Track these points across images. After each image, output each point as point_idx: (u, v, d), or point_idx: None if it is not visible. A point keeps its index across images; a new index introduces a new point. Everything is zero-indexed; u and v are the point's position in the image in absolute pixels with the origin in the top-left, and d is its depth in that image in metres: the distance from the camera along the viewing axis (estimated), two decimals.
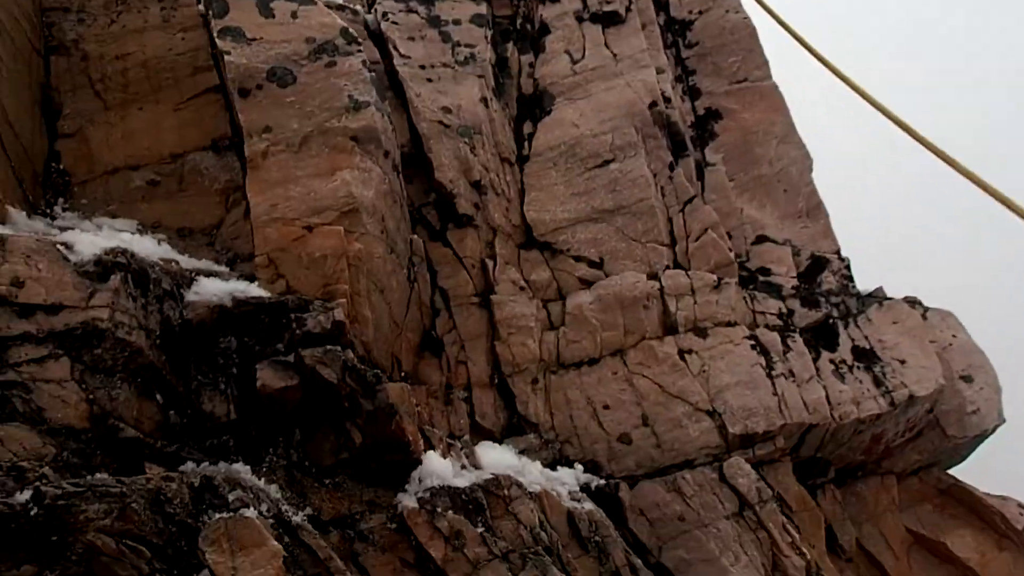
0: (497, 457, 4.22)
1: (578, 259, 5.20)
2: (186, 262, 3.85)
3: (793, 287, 5.70)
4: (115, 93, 4.33)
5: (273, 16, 4.33)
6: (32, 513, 2.82)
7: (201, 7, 4.50)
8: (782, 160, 6.29)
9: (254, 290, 3.71)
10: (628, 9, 6.04)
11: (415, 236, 4.68)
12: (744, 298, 5.38)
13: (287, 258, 3.91)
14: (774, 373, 5.05)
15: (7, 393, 3.00)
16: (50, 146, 4.19)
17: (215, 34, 4.24)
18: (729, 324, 5.21)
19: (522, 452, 4.41)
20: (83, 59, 4.34)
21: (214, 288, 3.65)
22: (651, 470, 4.60)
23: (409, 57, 5.17)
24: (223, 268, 3.95)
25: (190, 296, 3.59)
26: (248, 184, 4.06)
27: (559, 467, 4.44)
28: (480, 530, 3.50)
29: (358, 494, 3.60)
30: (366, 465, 3.64)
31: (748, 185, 6.22)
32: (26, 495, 2.83)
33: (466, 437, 4.25)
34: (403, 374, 4.28)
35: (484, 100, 5.26)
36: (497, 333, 4.75)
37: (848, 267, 6.04)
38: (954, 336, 5.87)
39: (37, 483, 2.87)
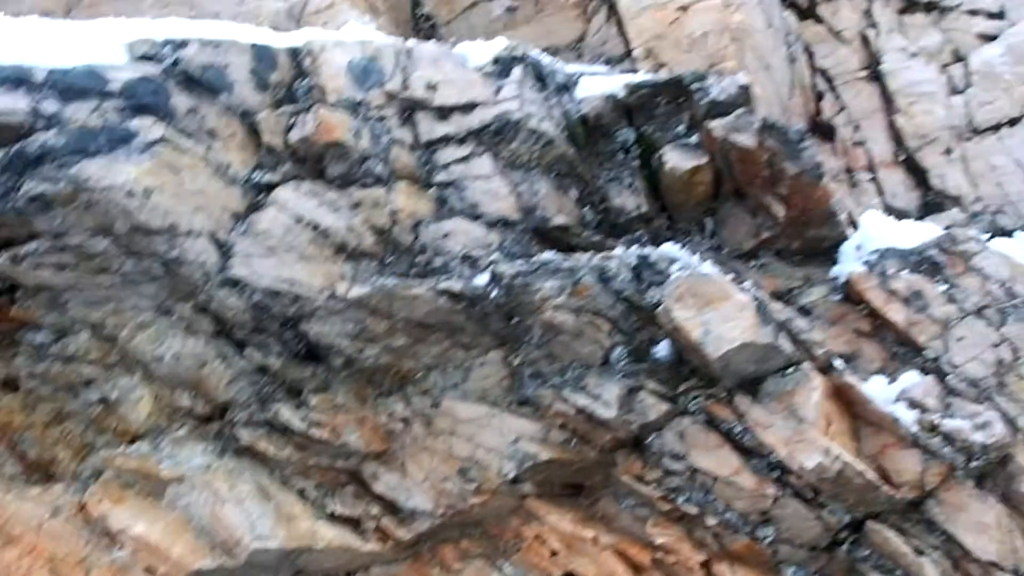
0: (923, 235, 3.73)
1: (974, 13, 4.42)
2: (567, 67, 3.75)
3: None
4: None
5: None
6: (492, 295, 2.90)
7: None
8: None
9: (642, 77, 3.52)
10: None
11: (786, 14, 4.22)
12: None
13: (665, 44, 3.68)
14: None
15: (444, 194, 3.09)
16: None
17: None
18: None
19: (948, 228, 3.86)
20: None
21: (602, 83, 3.51)
22: None
23: None
24: (603, 67, 3.81)
25: (580, 93, 3.48)
26: None
27: (996, 238, 3.84)
28: (943, 288, 3.08)
29: (790, 271, 3.33)
30: (789, 244, 3.36)
31: None
32: (484, 278, 2.90)
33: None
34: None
35: None
36: (894, 105, 4.19)
37: None
38: None
39: (492, 266, 2.93)
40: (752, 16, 3.73)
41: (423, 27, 4.24)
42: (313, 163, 2.97)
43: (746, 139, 3.19)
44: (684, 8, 3.68)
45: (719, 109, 3.29)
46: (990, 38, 4.34)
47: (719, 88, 3.31)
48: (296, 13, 3.40)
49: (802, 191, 3.23)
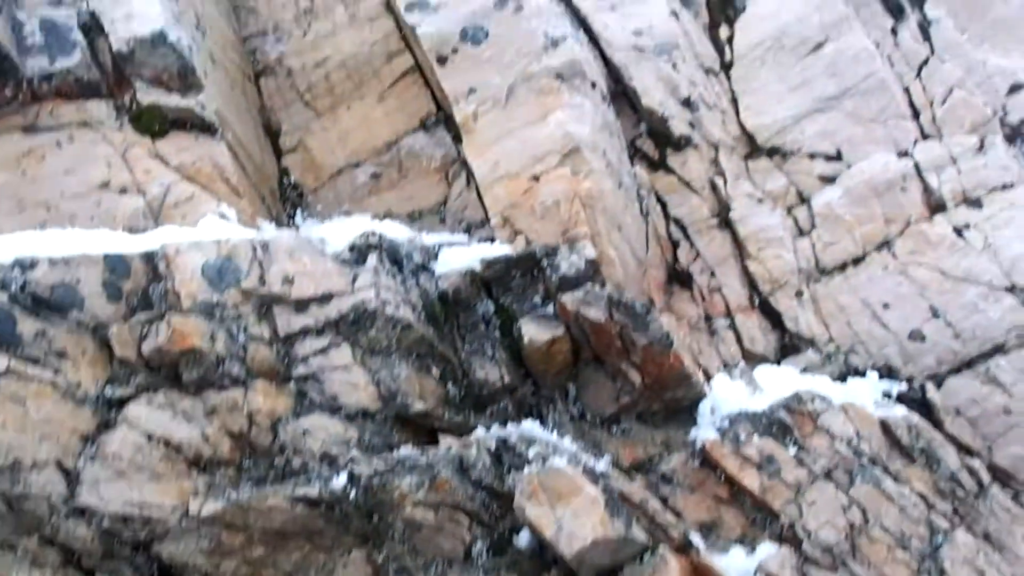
0: (780, 380, 3.90)
1: (813, 156, 4.75)
2: (426, 238, 3.84)
3: None
4: (323, 99, 4.42)
5: None
6: (351, 497, 2.88)
7: None
8: None
9: (498, 250, 3.63)
10: None
11: (637, 168, 4.44)
12: (1016, 155, 4.69)
13: (520, 213, 3.81)
14: None
15: (303, 387, 3.09)
16: (278, 164, 4.34)
17: (402, 12, 4.22)
18: (1006, 187, 4.56)
19: (804, 371, 4.05)
20: (288, 75, 4.47)
21: (459, 256, 3.61)
22: (956, 364, 4.09)
23: None
24: (462, 237, 3.92)
25: (438, 268, 3.57)
26: (465, 150, 4.01)
27: (849, 379, 4.05)
28: (793, 451, 3.22)
29: (650, 436, 3.42)
30: (649, 407, 3.46)
31: (985, 33, 5.43)
32: (342, 479, 2.89)
33: (741, 364, 3.97)
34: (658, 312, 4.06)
35: (674, 13, 4.92)
36: (746, 251, 4.41)
37: None
38: None
39: (349, 466, 2.92)
40: (601, 181, 3.92)
41: (290, 196, 4.29)
42: (168, 371, 2.93)
43: (596, 313, 3.31)
44: (536, 178, 3.84)
45: (570, 283, 3.42)
46: (830, 180, 4.66)
47: (568, 263, 3.44)
48: (155, 208, 3.40)
49: (654, 359, 3.35)
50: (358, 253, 3.31)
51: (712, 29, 5.17)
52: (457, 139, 4.17)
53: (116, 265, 2.92)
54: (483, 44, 4.08)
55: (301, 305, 3.14)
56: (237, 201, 3.65)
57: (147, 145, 3.56)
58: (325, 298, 3.17)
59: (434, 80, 4.21)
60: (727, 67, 5.04)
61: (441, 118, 4.37)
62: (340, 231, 3.50)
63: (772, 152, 4.79)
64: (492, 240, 3.78)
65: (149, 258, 3.01)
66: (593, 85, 4.15)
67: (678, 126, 4.63)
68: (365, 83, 4.46)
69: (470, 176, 4.08)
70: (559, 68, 4.01)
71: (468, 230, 4.06)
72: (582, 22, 4.87)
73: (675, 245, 4.45)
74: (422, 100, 4.42)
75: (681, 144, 4.63)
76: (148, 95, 3.64)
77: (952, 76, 4.90)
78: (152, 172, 3.47)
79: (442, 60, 4.08)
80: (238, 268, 3.11)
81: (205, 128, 3.70)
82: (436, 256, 3.64)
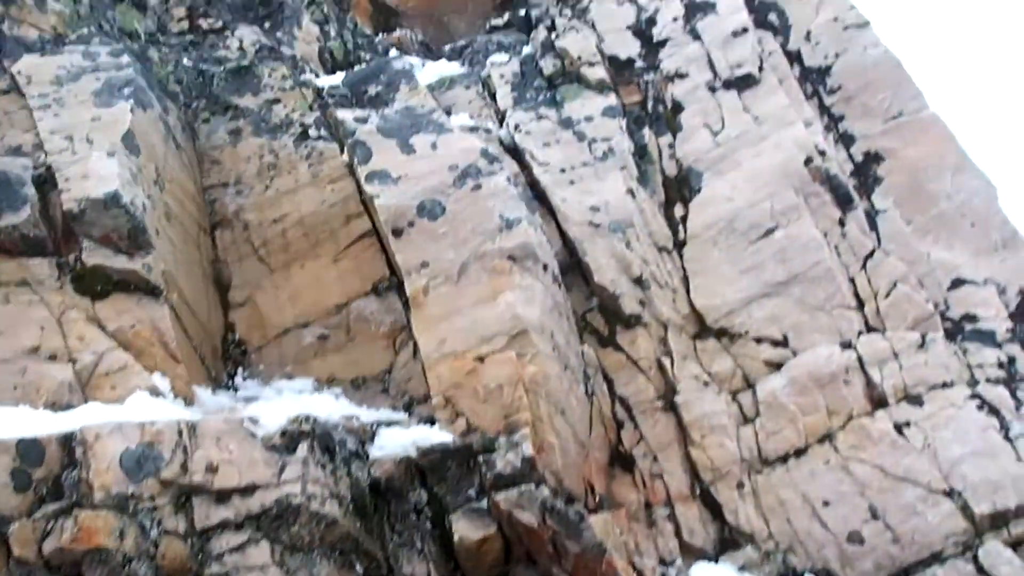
0: None
1: (760, 341, 4.81)
2: (365, 415, 3.78)
3: (1008, 330, 5.04)
4: (277, 256, 4.42)
5: (414, 151, 4.35)
6: None
7: (345, 156, 4.59)
8: (961, 192, 5.69)
9: (436, 435, 3.58)
10: (760, 68, 5.76)
11: (585, 346, 4.46)
12: (956, 352, 4.80)
13: (463, 394, 3.77)
14: (1012, 434, 4.41)
15: None
16: (224, 318, 4.29)
17: (362, 180, 4.29)
18: (945, 385, 4.64)
19: (742, 569, 3.99)
20: (244, 228, 4.48)
21: (397, 439, 3.55)
22: (894, 571, 4.05)
23: (547, 163, 5.07)
24: (402, 415, 3.86)
25: (374, 452, 3.50)
26: (414, 324, 4.00)
27: None
28: None
29: None
30: None
31: (929, 226, 5.64)
32: None
33: (678, 561, 3.89)
34: (597, 499, 4.00)
35: (630, 191, 5.07)
36: (689, 437, 4.40)
37: None
38: None
39: None
40: (546, 365, 3.92)
41: (233, 354, 4.23)
42: (69, 571, 2.78)
43: (529, 517, 3.25)
44: (481, 359, 3.83)
45: (505, 481, 3.37)
46: (776, 366, 4.72)
47: (504, 461, 3.39)
48: (84, 379, 3.30)
49: (587, 566, 3.28)
50: (289, 439, 3.24)
51: (667, 207, 5.31)
52: (408, 306, 4.17)
53: (29, 451, 2.81)
54: (440, 219, 4.14)
55: (223, 496, 3.04)
56: (173, 367, 3.57)
57: (86, 308, 3.50)
58: (249, 489, 3.07)
59: (390, 247, 4.24)
60: (680, 246, 5.16)
61: (394, 283, 4.38)
62: (274, 409, 3.43)
63: (720, 333, 4.85)
64: (432, 422, 3.72)
65: (66, 441, 2.91)
66: (545, 267, 4.21)
67: (629, 304, 4.69)
68: (321, 243, 4.49)
69: (417, 346, 4.06)
70: (512, 250, 4.06)
71: (410, 405, 4.00)
72: (541, 195, 5.02)
73: (619, 426, 4.42)
74: (377, 264, 4.44)
75: (631, 322, 4.68)
76: (94, 255, 3.61)
77: (896, 270, 5.06)
78: (86, 338, 3.40)
79: (398, 232, 4.12)
80: (159, 456, 3.01)
81: (149, 291, 3.66)
82: (372, 437, 3.58)
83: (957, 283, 5.42)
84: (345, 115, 4.45)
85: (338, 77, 5.23)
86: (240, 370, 4.17)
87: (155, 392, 3.29)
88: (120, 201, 3.64)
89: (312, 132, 4.70)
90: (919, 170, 5.87)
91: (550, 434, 3.78)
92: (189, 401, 3.55)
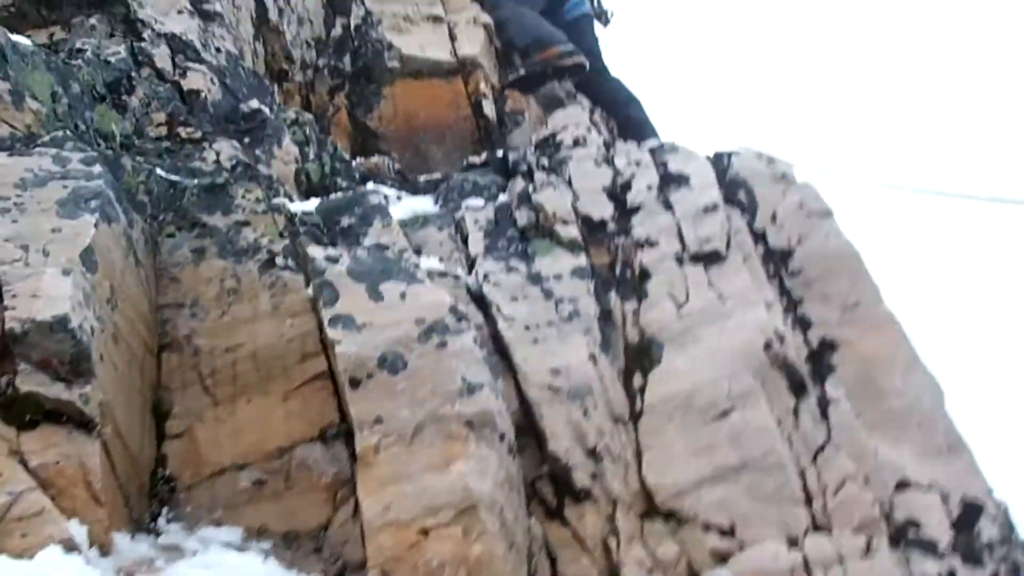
0: None
1: (707, 528, 4.71)
2: None
3: (950, 541, 5.05)
4: (224, 387, 4.23)
5: (383, 299, 4.26)
6: None
7: (310, 291, 4.47)
8: (911, 391, 5.79)
9: None
10: (728, 246, 5.89)
11: (532, 520, 4.31)
12: (900, 561, 4.76)
13: (402, 569, 3.57)
14: None
15: None
16: (157, 449, 4.04)
17: (325, 323, 4.16)
18: None
19: None
20: (194, 354, 4.29)
21: None
22: None
23: (513, 319, 5.03)
24: None
25: None
26: (359, 484, 3.81)
27: None
28: None
29: None
30: None
31: (879, 421, 5.70)
32: None
33: None
34: None
35: (592, 357, 5.03)
36: None
37: (1007, 512, 5.38)
38: None
39: None
40: (493, 545, 3.75)
41: (161, 491, 3.95)
42: None
43: None
44: (425, 532, 3.64)
45: None
46: (722, 558, 4.61)
47: None
48: None
49: None
50: None
51: (627, 375, 5.29)
52: (355, 459, 3.99)
53: None
54: (400, 374, 4.02)
55: None
56: (94, 512, 3.31)
57: (10, 439, 3.24)
58: None
59: (345, 397, 4.09)
60: (636, 416, 5.10)
61: (343, 431, 4.21)
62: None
63: (669, 515, 4.74)
64: None
65: None
66: (502, 437, 4.10)
67: (580, 478, 4.57)
68: (273, 379, 4.31)
69: (358, 505, 3.86)
70: (471, 416, 3.95)
71: (342, 572, 3.77)
72: (502, 350, 4.95)
73: None
74: (327, 408, 4.27)
75: (580, 496, 4.55)
76: (29, 381, 3.37)
77: (846, 467, 5.06)
78: (4, 475, 3.13)
79: (355, 383, 3.98)
80: None
81: (83, 424, 3.42)
82: None
83: (902, 485, 5.44)
84: (316, 252, 4.36)
85: (312, 203, 5.17)
86: (165, 510, 3.89)
87: (69, 546, 3.01)
88: (68, 325, 3.44)
89: (279, 261, 4.59)
90: (872, 364, 5.99)
91: None
92: (105, 551, 3.28)
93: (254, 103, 5.67)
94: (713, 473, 4.93)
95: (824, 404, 5.59)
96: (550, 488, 4.58)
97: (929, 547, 4.97)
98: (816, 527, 4.79)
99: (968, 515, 5.32)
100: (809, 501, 4.91)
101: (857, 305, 6.16)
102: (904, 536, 5.07)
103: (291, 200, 5.17)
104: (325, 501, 4.06)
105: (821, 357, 6.00)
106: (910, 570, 4.77)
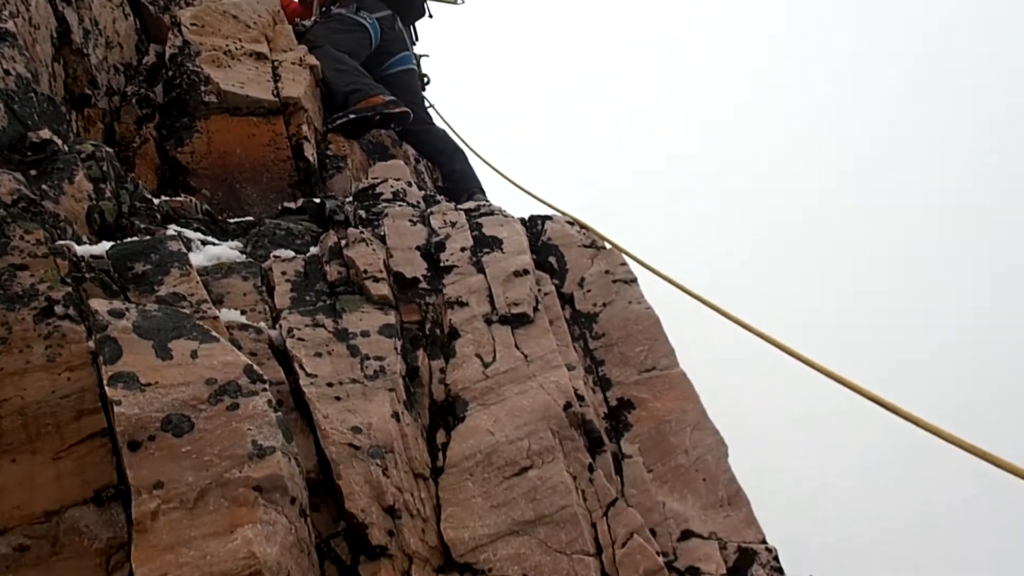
0: None
1: None
2: None
3: None
4: None
5: (171, 357, 4.07)
6: None
7: (91, 343, 4.20)
8: (698, 448, 6.24)
9: None
10: (536, 309, 6.11)
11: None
12: None
13: None
14: None
15: None
16: None
17: (105, 381, 3.92)
18: None
19: None
20: None
21: None
22: None
23: (316, 375, 4.95)
24: None
25: None
26: (134, 551, 3.58)
27: None
28: None
29: None
30: None
31: (667, 476, 6.09)
32: None
33: None
34: None
35: (396, 415, 5.04)
36: None
37: (776, 558, 5.85)
38: None
39: None
40: None
41: None
42: None
43: None
44: None
45: None
46: None
47: None
48: None
49: None
50: None
51: (431, 431, 5.34)
52: (132, 523, 3.75)
53: None
54: (185, 436, 3.84)
55: None
56: None
57: None
58: None
59: (124, 460, 3.85)
60: (437, 473, 5.15)
61: (121, 492, 3.96)
62: None
63: (464, 569, 4.79)
64: None
65: None
66: (293, 500, 3.99)
67: (377, 535, 4.53)
68: (43, 437, 3.99)
69: (132, 573, 3.62)
70: (260, 480, 3.83)
71: None
72: (303, 406, 4.85)
73: None
74: (104, 468, 4.00)
75: (376, 553, 4.51)
76: None
77: (634, 521, 5.33)
78: None
79: (134, 446, 3.76)
80: None
81: None
82: None
83: (686, 535, 5.82)
84: (99, 306, 4.10)
85: (103, 246, 4.87)
86: None
87: None
88: None
89: (59, 309, 4.27)
90: (664, 422, 6.39)
91: None
92: None
93: (45, 133, 5.29)
94: (509, 527, 5.04)
95: (619, 460, 5.89)
96: (345, 546, 4.51)
97: None
98: (604, 575, 5.01)
99: (742, 561, 5.75)
100: (599, 552, 5.13)
101: (653, 368, 6.56)
102: None
103: (79, 242, 4.85)
104: (97, 567, 3.78)
105: (619, 415, 6.33)
106: None
